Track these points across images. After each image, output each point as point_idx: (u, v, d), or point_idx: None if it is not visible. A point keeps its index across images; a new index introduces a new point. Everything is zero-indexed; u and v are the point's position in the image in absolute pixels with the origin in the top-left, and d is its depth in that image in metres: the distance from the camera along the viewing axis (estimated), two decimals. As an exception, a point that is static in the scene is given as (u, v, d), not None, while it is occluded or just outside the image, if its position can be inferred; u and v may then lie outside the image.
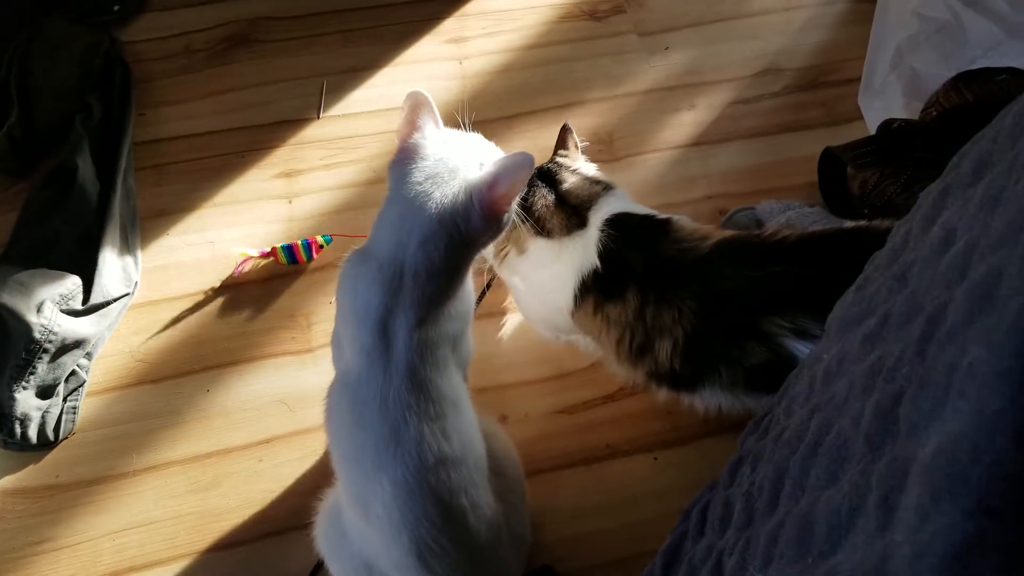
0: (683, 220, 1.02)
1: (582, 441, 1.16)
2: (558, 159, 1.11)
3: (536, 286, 1.08)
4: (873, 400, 0.48)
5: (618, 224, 1.00)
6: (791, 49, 1.58)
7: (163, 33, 1.53)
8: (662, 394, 1.03)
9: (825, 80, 1.54)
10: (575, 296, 1.01)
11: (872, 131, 1.45)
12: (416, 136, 0.82)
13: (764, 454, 0.64)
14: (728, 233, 0.99)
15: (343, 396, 0.80)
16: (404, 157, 0.81)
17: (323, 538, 0.90)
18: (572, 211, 1.03)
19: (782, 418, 0.67)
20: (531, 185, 1.05)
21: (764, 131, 1.47)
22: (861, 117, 1.49)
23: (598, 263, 0.98)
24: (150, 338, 1.23)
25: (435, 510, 0.75)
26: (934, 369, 0.41)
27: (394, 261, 0.77)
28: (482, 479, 0.82)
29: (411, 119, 0.83)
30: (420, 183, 0.78)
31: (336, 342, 0.89)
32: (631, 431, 1.17)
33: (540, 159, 1.37)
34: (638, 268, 0.97)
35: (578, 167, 1.10)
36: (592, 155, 1.42)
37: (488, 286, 1.26)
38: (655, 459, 1.15)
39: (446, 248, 0.77)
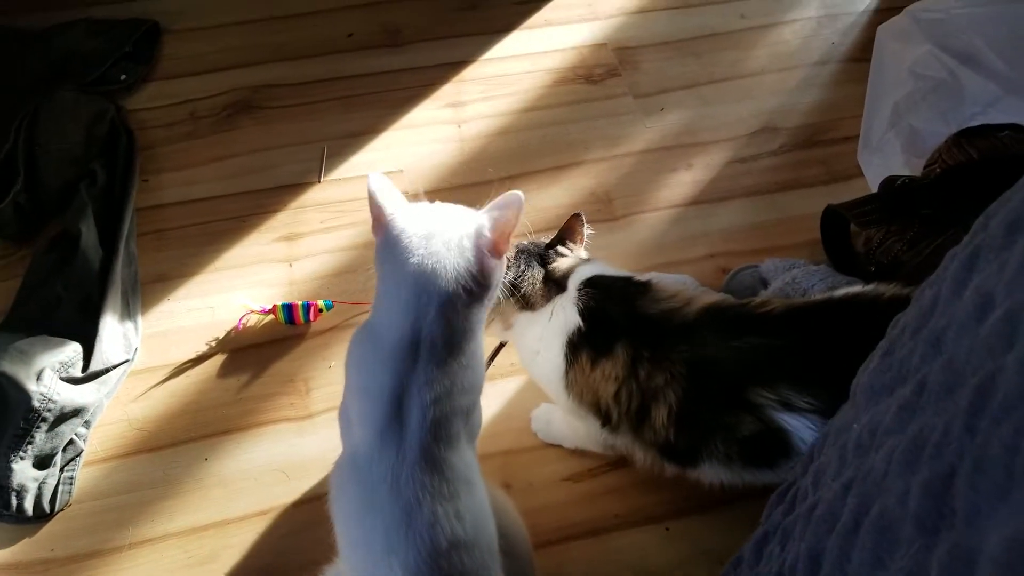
0: (663, 282, 1.02)
1: (589, 510, 1.13)
2: (560, 249, 1.08)
3: (528, 353, 1.08)
4: (920, 478, 0.45)
5: (595, 283, 1.01)
6: (787, 108, 1.59)
7: (168, 101, 1.56)
8: (669, 470, 1.01)
9: (822, 138, 1.55)
10: (565, 356, 1.00)
11: (873, 188, 1.45)
12: (391, 216, 0.80)
13: (794, 531, 0.61)
14: (712, 299, 0.98)
15: (352, 476, 0.78)
16: (389, 238, 0.79)
17: None
18: (553, 284, 1.03)
19: (810, 491, 0.64)
20: (526, 264, 1.04)
21: (764, 189, 1.48)
22: (861, 174, 1.49)
23: (580, 321, 0.98)
24: (149, 405, 1.22)
25: None
26: (990, 446, 0.39)
27: (410, 336, 0.76)
28: (494, 562, 0.79)
29: (379, 202, 0.80)
30: (420, 250, 0.77)
31: (344, 417, 0.87)
32: (640, 500, 1.13)
33: (538, 219, 1.40)
34: (621, 321, 0.96)
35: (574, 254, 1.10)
36: (591, 215, 1.43)
37: (496, 351, 1.25)
38: (667, 529, 1.11)
39: (464, 307, 0.77)
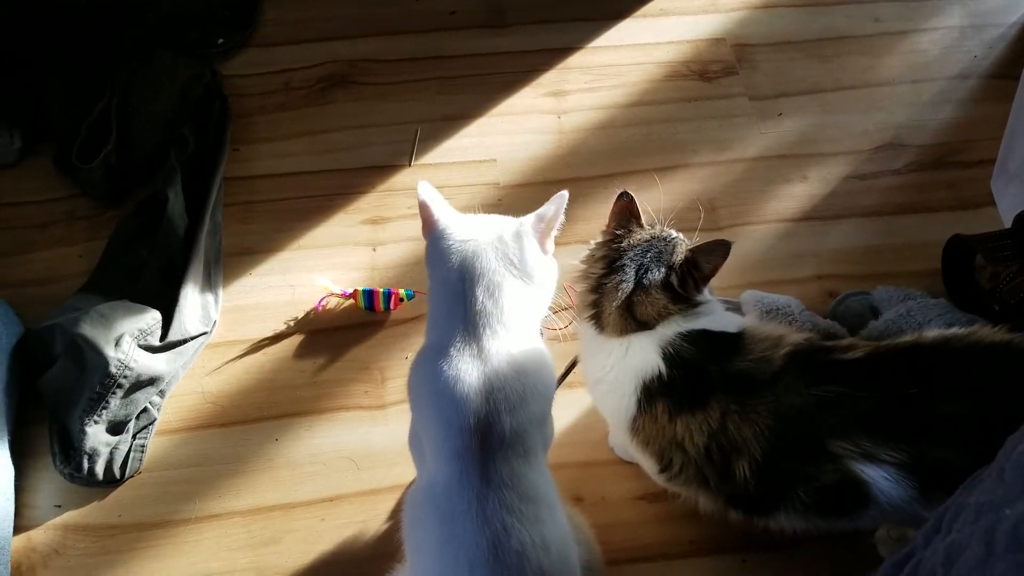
0: (756, 329, 0.93)
1: (662, 533, 1.07)
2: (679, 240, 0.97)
3: (591, 379, 0.99)
4: None
5: (693, 338, 0.90)
6: (917, 124, 1.46)
7: (264, 69, 1.53)
8: (734, 516, 0.94)
9: (953, 160, 1.42)
10: (638, 401, 0.92)
11: (1005, 218, 1.33)
12: (440, 221, 0.86)
13: None
14: (800, 339, 0.91)
15: (431, 508, 0.74)
16: (438, 241, 0.85)
17: None
18: (636, 321, 0.92)
19: (939, 572, 0.56)
20: (636, 265, 0.91)
21: (883, 210, 1.37)
22: (992, 203, 1.36)
23: (664, 369, 0.89)
24: (223, 380, 1.20)
25: None
26: None
27: (466, 329, 0.78)
28: None
29: (430, 209, 0.87)
30: (465, 241, 0.83)
31: (415, 445, 0.84)
32: (717, 528, 1.04)
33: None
34: (716, 378, 0.89)
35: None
36: (693, 223, 1.33)
37: (571, 366, 1.19)
38: (743, 561, 1.05)
39: (511, 289, 0.80)
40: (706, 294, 0.94)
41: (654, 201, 1.36)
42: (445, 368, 0.76)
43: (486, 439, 0.73)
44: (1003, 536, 0.52)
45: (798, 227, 1.35)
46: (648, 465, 0.97)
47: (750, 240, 1.33)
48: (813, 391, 0.86)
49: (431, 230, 0.86)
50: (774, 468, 0.87)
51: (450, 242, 0.83)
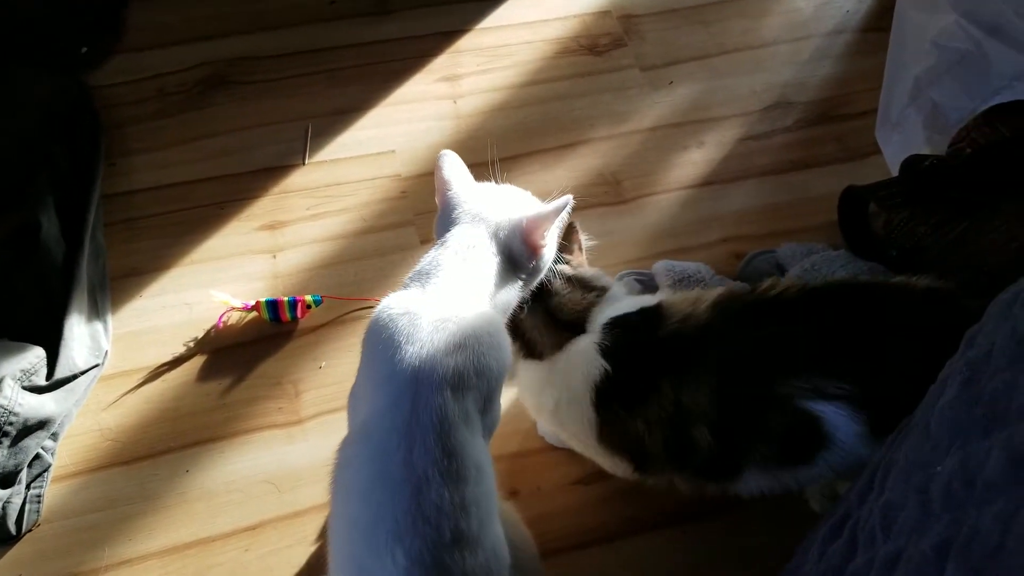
0: (671, 297, 0.94)
1: (602, 514, 1.06)
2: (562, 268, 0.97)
3: (539, 408, 0.98)
4: None
5: (616, 324, 0.90)
6: (801, 81, 1.50)
7: (135, 76, 1.43)
8: (711, 489, 0.93)
9: (838, 113, 1.47)
10: (596, 408, 0.90)
11: (892, 166, 1.38)
12: (453, 190, 0.88)
13: None
14: (719, 291, 0.91)
15: (361, 449, 0.74)
16: (447, 210, 0.87)
17: None
18: (565, 326, 0.93)
19: (879, 535, 0.56)
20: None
21: (778, 168, 1.40)
22: (879, 151, 1.42)
23: (606, 364, 0.88)
24: (122, 413, 1.12)
25: None
26: None
27: (443, 291, 0.79)
28: (500, 568, 0.73)
29: (444, 177, 0.88)
30: (469, 217, 0.85)
31: (354, 396, 0.83)
32: (656, 500, 1.05)
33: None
34: (656, 356, 0.88)
35: (575, 271, 0.98)
36: (599, 198, 1.34)
37: None
38: (684, 532, 1.05)
39: (494, 270, 0.83)
40: (605, 277, 0.96)
41: (559, 180, 1.36)
42: (410, 311, 0.76)
43: (425, 388, 0.72)
44: (938, 494, 0.51)
45: (700, 193, 1.36)
46: (622, 468, 0.96)
47: (655, 210, 1.34)
48: (749, 333, 0.86)
49: (442, 199, 0.89)
50: (731, 424, 0.86)
51: (458, 212, 0.86)
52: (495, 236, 0.84)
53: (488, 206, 0.86)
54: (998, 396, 0.51)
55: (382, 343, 0.76)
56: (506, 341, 0.83)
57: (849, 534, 0.62)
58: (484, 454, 0.76)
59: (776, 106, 1.47)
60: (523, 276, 0.87)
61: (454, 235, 0.84)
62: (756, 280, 1.23)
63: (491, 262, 0.83)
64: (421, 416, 0.71)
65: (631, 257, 1.28)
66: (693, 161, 1.40)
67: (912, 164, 1.27)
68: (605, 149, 1.40)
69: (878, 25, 1.54)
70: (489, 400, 0.80)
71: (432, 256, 0.83)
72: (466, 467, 0.71)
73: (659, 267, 1.23)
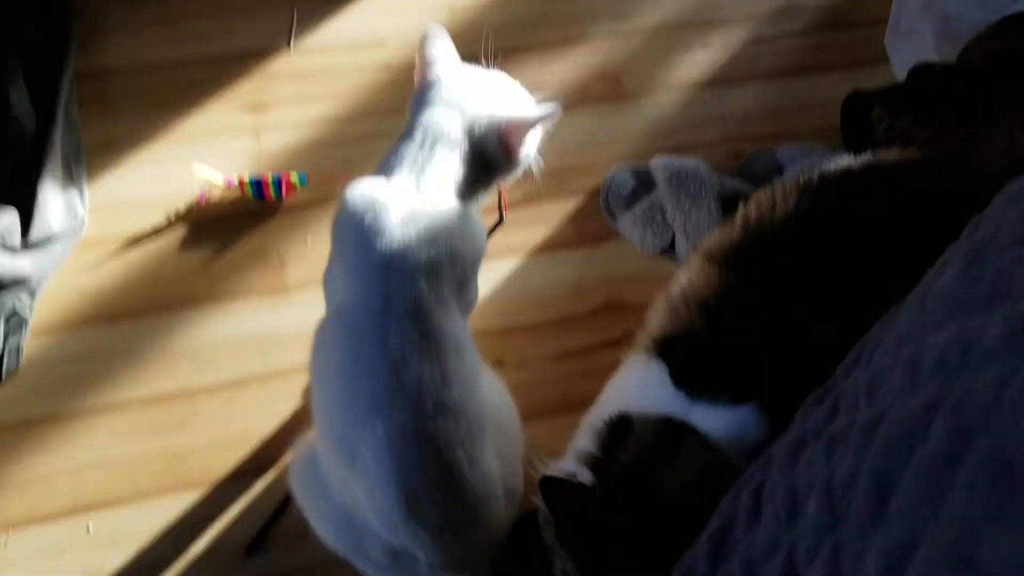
0: None
1: (584, 387, 1.02)
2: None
3: None
4: None
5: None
6: (812, -15, 1.45)
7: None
8: None
9: (849, 20, 1.42)
10: None
11: (899, 74, 1.34)
12: (435, 70, 0.83)
13: (845, 442, 0.53)
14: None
15: (338, 327, 0.74)
16: (424, 91, 0.82)
17: (300, 484, 0.83)
18: None
19: (863, 401, 0.55)
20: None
21: (783, 72, 1.35)
22: (886, 60, 1.37)
23: None
24: (103, 277, 1.09)
25: (430, 460, 0.69)
26: None
27: (413, 174, 0.77)
28: (482, 433, 0.74)
29: (428, 54, 0.84)
30: (445, 103, 0.79)
31: (330, 278, 0.82)
32: None
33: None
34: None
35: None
36: (599, 95, 1.29)
37: (492, 229, 1.16)
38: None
39: (464, 161, 0.79)
40: None
41: (557, 75, 1.31)
42: (376, 202, 0.74)
43: (397, 279, 0.71)
44: (929, 361, 0.50)
45: (703, 93, 1.32)
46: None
47: (656, 108, 1.30)
48: None
49: (421, 78, 0.84)
50: None
51: (434, 95, 0.80)
52: (469, 131, 0.79)
53: (468, 94, 0.80)
54: (1002, 274, 0.50)
55: (351, 234, 0.76)
56: (478, 228, 0.82)
57: (831, 402, 0.61)
58: (461, 331, 0.76)
59: (786, 10, 1.42)
60: (494, 175, 0.83)
61: (424, 121, 0.79)
62: (754, 178, 1.22)
63: (459, 157, 0.79)
64: (395, 306, 0.70)
65: (629, 153, 1.25)
66: (697, 62, 1.35)
67: (920, 71, 1.23)
68: (607, 46, 1.35)
69: (893, -68, 1.48)
70: (463, 284, 0.79)
71: (398, 143, 0.80)
72: (445, 345, 0.72)
73: (657, 162, 1.19)
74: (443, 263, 0.73)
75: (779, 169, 1.22)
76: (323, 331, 0.77)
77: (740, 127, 1.29)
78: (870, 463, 0.49)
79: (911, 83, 1.23)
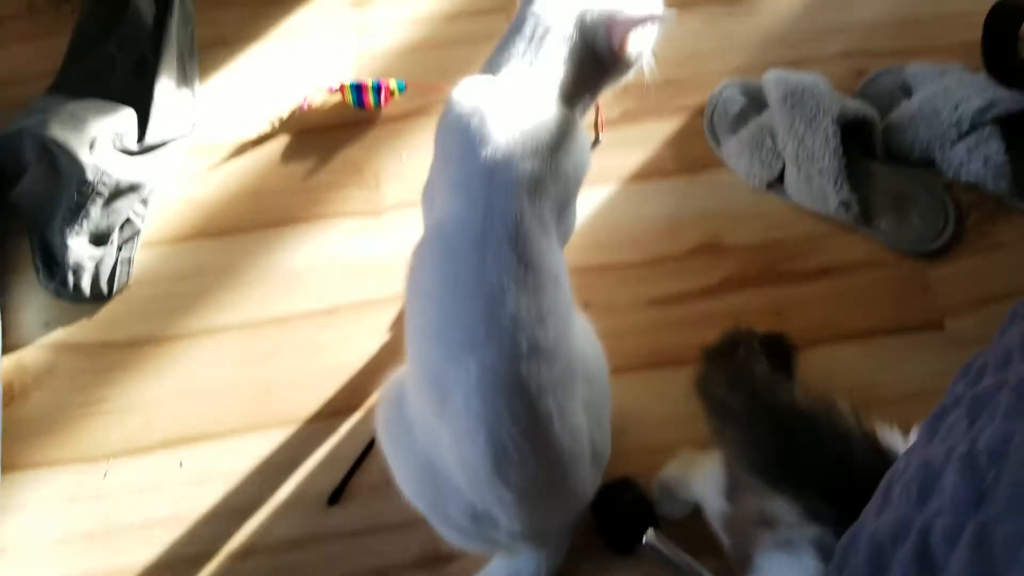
0: None
1: (675, 339, 1.03)
2: None
3: None
4: None
5: None
6: None
7: None
8: None
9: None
10: None
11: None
12: None
13: (994, 405, 0.47)
14: None
15: (435, 249, 0.72)
16: None
17: (385, 430, 0.82)
18: None
19: (1017, 357, 0.50)
20: None
21: (920, -24, 1.22)
22: (1045, -36, 1.22)
23: None
24: (209, 187, 1.13)
25: (521, 408, 0.66)
26: None
27: (514, 87, 0.72)
28: (573, 381, 0.72)
29: None
30: None
31: (428, 194, 0.80)
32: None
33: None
34: None
35: None
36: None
37: (596, 141, 1.13)
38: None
39: (573, 58, 0.74)
40: None
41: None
42: (479, 108, 0.71)
43: (499, 194, 0.68)
44: None
45: (825, -2, 1.21)
46: None
47: (770, 13, 1.20)
48: None
49: None
50: None
51: None
52: (580, 22, 0.73)
53: None
54: None
55: (454, 142, 0.72)
56: (584, 141, 0.78)
57: (978, 368, 0.54)
58: (560, 264, 0.73)
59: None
60: (603, 76, 0.78)
61: (535, 9, 0.74)
62: (878, 100, 1.14)
63: (568, 53, 0.74)
64: (495, 223, 0.67)
65: (739, 64, 1.17)
66: (823, -40, 1.23)
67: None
68: (724, -62, 1.24)
69: None
70: (564, 206, 0.76)
71: (507, 36, 0.75)
72: (543, 278, 0.68)
73: (770, 78, 1.12)
74: (547, 179, 0.70)
75: (907, 91, 1.14)
76: (420, 252, 0.75)
77: (865, 40, 1.19)
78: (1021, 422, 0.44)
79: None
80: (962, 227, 1.08)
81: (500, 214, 0.67)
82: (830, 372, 0.96)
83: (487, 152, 0.68)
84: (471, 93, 0.72)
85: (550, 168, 0.70)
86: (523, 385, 0.66)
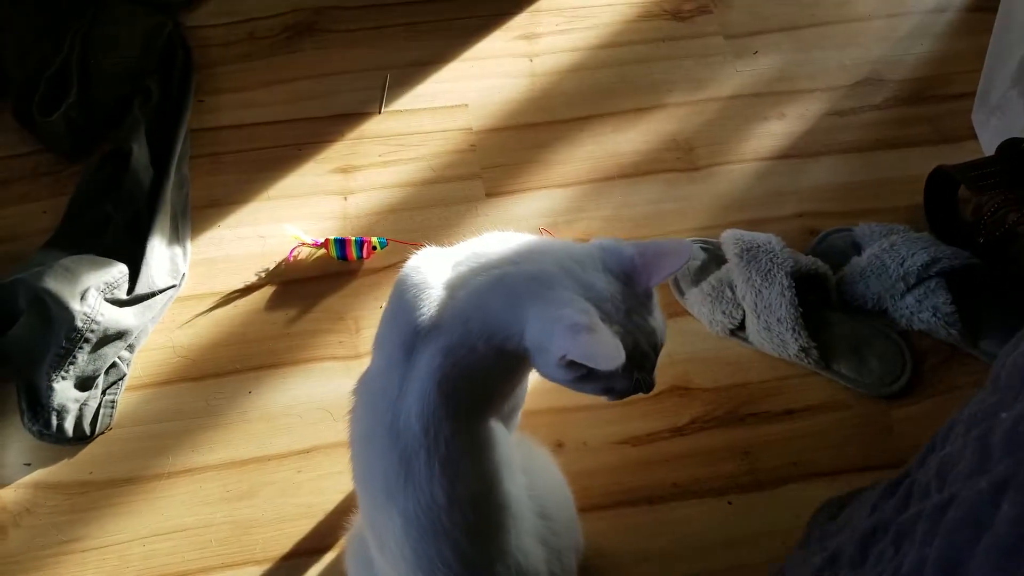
0: None
1: (646, 477, 1.06)
2: None
3: None
4: None
5: None
6: (895, 59, 1.44)
7: (228, 19, 1.48)
8: None
9: (933, 94, 1.40)
10: None
11: (987, 151, 1.32)
12: None
13: (913, 532, 0.51)
14: None
15: (361, 397, 0.74)
16: None
17: (351, 565, 0.83)
18: None
19: (934, 487, 0.54)
20: None
21: (862, 146, 1.34)
22: (973, 136, 1.35)
23: None
24: (194, 333, 1.17)
25: (452, 555, 0.66)
26: None
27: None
28: (513, 521, 0.71)
29: None
30: None
31: (376, 338, 0.82)
32: (702, 470, 1.06)
33: (611, 165, 1.30)
34: None
35: None
36: (670, 164, 1.32)
37: None
38: (729, 503, 1.04)
39: None
40: None
41: (631, 143, 1.34)
42: (429, 268, 0.74)
43: (419, 359, 0.68)
44: (1000, 439, 0.48)
45: (777, 165, 1.32)
46: None
47: (728, 180, 1.31)
48: None
49: None
50: None
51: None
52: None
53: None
54: None
55: (393, 299, 0.74)
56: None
57: (904, 491, 0.59)
58: (487, 429, 0.72)
59: (866, 82, 1.41)
60: None
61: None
62: (830, 257, 1.21)
63: None
64: (409, 391, 0.67)
65: (699, 225, 1.26)
66: (772, 133, 1.36)
67: (1010, 146, 1.20)
68: (680, 115, 1.37)
69: (984, 5, 1.45)
70: (514, 410, 0.79)
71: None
72: (459, 442, 0.68)
73: (727, 236, 1.20)
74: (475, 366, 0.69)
75: (857, 248, 1.21)
76: (358, 386, 0.76)
77: (816, 202, 1.28)
78: (937, 551, 0.47)
79: (1001, 160, 1.20)
80: (920, 370, 1.12)
81: (416, 384, 0.67)
82: (800, 509, 0.96)
83: (414, 320, 0.69)
84: (420, 261, 0.75)
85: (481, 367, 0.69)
86: (450, 533, 0.66)
